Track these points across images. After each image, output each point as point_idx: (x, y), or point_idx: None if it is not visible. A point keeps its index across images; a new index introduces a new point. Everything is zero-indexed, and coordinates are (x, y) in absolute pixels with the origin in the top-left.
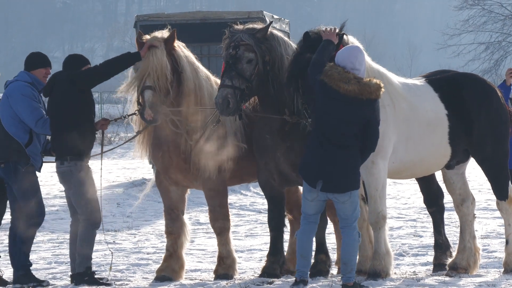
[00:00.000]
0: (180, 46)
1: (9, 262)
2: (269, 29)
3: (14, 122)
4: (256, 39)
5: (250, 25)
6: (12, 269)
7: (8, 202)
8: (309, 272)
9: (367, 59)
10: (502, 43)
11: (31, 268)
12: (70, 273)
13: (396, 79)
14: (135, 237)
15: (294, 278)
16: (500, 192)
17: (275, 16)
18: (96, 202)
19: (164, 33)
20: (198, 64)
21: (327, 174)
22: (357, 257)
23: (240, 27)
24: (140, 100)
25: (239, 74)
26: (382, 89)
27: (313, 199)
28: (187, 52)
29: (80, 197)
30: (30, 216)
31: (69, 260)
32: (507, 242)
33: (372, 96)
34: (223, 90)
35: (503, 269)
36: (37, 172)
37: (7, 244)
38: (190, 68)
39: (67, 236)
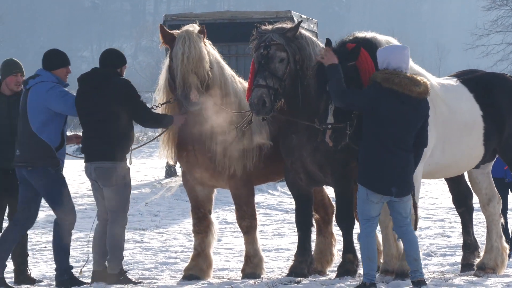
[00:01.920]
0: (208, 43)
1: (36, 260)
2: (299, 29)
3: (46, 128)
4: (287, 38)
5: (279, 25)
6: (39, 267)
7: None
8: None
9: (416, 65)
10: None
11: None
12: (93, 270)
13: (434, 80)
14: (162, 235)
15: (363, 282)
16: None
17: (303, 16)
18: (129, 202)
19: (195, 27)
20: (223, 62)
21: (401, 180)
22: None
23: (269, 27)
24: (182, 84)
25: (272, 74)
26: (428, 88)
27: (378, 202)
28: (213, 50)
29: (119, 196)
30: (63, 218)
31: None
32: None
33: (429, 94)
34: (257, 90)
35: None
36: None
37: (34, 243)
38: (217, 65)
39: None
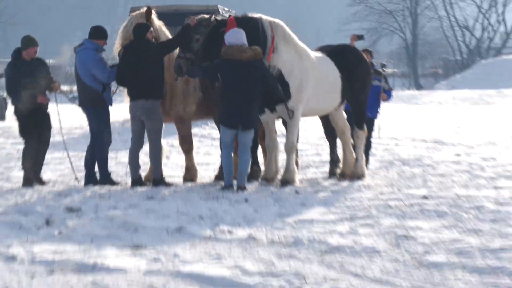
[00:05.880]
0: (155, 20)
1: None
2: (212, 19)
3: (91, 78)
4: (203, 25)
5: (202, 16)
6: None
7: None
8: (245, 179)
9: (296, 38)
10: (377, 29)
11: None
12: (132, 178)
13: (311, 53)
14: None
15: (224, 185)
16: (359, 124)
17: (226, 9)
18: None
19: (144, 9)
20: (168, 34)
21: (245, 120)
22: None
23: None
24: None
25: (189, 49)
26: (260, 53)
27: (230, 134)
28: (158, 21)
29: (156, 124)
30: (105, 142)
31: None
32: (356, 160)
33: (259, 57)
34: (177, 60)
35: (354, 178)
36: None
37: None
38: (161, 32)
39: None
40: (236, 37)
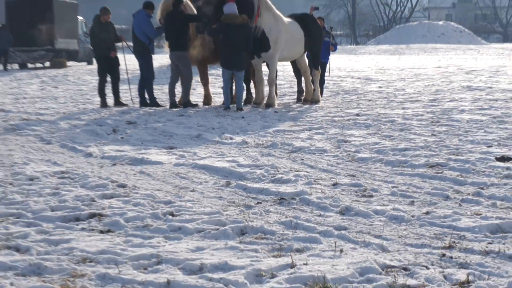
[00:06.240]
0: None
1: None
2: None
3: (142, 35)
4: (212, 1)
5: None
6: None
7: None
8: (237, 104)
9: (275, 8)
10: (330, 5)
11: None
12: (170, 102)
13: (285, 19)
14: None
15: (224, 106)
16: (315, 66)
17: None
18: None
19: None
20: (192, 8)
21: (235, 62)
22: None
23: None
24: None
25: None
26: (246, 19)
27: (227, 73)
28: (188, 1)
29: (185, 66)
30: (151, 77)
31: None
32: (314, 90)
33: (246, 22)
34: (197, 23)
35: (308, 104)
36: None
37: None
38: (189, 8)
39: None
40: (231, 9)
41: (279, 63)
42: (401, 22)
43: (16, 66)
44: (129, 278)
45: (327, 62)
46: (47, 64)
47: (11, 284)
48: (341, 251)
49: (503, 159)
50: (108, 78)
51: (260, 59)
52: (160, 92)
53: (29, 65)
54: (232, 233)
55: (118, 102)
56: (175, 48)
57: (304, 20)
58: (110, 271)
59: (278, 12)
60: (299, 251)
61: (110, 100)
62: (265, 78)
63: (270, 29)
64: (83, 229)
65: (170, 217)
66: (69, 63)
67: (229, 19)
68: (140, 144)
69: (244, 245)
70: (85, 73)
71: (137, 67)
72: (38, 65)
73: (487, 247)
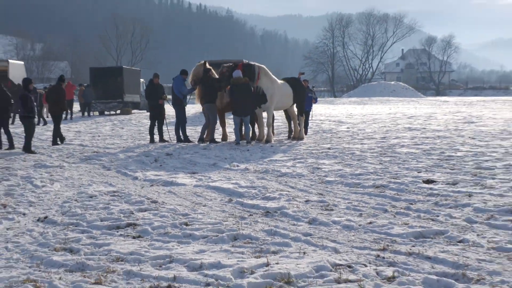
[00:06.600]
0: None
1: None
2: (232, 65)
3: (178, 92)
4: (229, 68)
5: (229, 64)
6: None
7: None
8: (244, 141)
9: (270, 73)
10: (316, 70)
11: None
12: (198, 138)
13: (278, 81)
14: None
15: (236, 142)
16: (301, 113)
17: (245, 60)
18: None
19: (201, 62)
20: (215, 73)
21: (243, 112)
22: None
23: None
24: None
25: (224, 79)
26: (248, 81)
27: (238, 119)
28: (211, 68)
29: (212, 113)
30: (184, 121)
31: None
32: (300, 131)
33: (248, 82)
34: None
35: (297, 140)
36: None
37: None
38: (214, 73)
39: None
40: (237, 73)
41: (277, 111)
42: (365, 82)
43: (96, 113)
44: (147, 274)
45: (310, 111)
46: (118, 112)
47: (60, 278)
48: (304, 253)
49: (428, 181)
50: (156, 122)
51: (260, 109)
52: (193, 131)
53: (106, 113)
54: (227, 239)
55: (162, 139)
56: (207, 101)
57: (292, 82)
58: (134, 268)
59: (273, 76)
60: (274, 253)
61: (156, 137)
62: (265, 121)
63: (267, 89)
64: (121, 235)
65: (185, 226)
66: (134, 111)
67: (236, 81)
68: (172, 170)
69: (234, 248)
70: (143, 118)
71: (174, 114)
72: (112, 112)
73: (410, 249)
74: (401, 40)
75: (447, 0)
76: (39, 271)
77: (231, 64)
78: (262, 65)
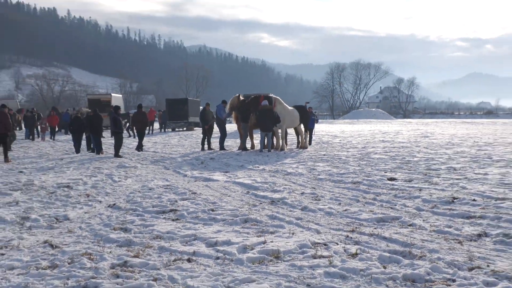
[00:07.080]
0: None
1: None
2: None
3: (220, 115)
4: (257, 99)
5: (257, 95)
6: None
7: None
8: (267, 149)
9: (283, 102)
10: (320, 99)
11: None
12: (238, 148)
13: (289, 108)
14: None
15: (259, 149)
16: (305, 129)
17: (271, 94)
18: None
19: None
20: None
21: (266, 129)
22: (281, 145)
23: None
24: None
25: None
26: (272, 108)
27: (263, 134)
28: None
29: (244, 129)
30: (224, 135)
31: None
32: (305, 142)
33: (271, 109)
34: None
35: (302, 149)
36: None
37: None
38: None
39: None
40: (265, 102)
41: (289, 129)
42: (355, 109)
43: (169, 130)
44: (175, 249)
45: (313, 128)
46: (184, 129)
47: (110, 252)
48: (293, 233)
49: (391, 179)
50: (206, 136)
51: (277, 127)
52: (231, 142)
53: (176, 130)
54: (239, 221)
55: (209, 148)
56: (242, 121)
57: (300, 108)
58: (166, 244)
59: (285, 104)
60: (271, 233)
61: (206, 146)
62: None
63: (280, 113)
64: (164, 218)
65: (211, 211)
66: (195, 128)
67: (263, 107)
68: (212, 170)
69: (243, 229)
70: (201, 134)
71: (218, 130)
72: (180, 129)
73: (372, 231)
74: (380, 80)
75: (411, 53)
76: (97, 246)
77: (257, 95)
78: (277, 97)
